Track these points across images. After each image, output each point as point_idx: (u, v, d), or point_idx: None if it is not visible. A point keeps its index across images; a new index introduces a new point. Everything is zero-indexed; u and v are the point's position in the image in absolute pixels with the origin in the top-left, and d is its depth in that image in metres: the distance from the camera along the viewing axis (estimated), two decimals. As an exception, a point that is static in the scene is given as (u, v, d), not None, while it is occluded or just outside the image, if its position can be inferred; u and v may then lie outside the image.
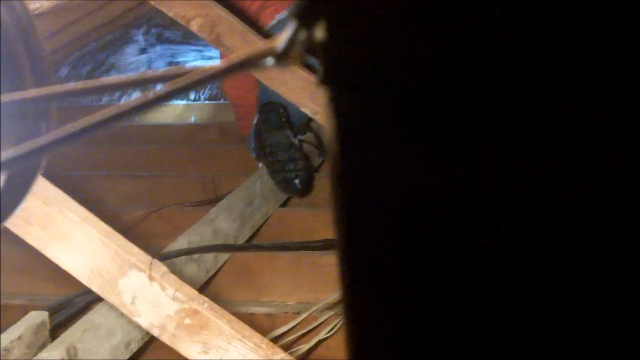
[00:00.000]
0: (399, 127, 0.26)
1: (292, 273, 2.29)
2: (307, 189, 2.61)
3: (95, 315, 1.75)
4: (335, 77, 0.28)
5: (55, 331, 1.87)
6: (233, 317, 1.33)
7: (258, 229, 2.51)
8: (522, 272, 0.26)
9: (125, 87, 0.65)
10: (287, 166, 2.50)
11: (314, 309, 2.01)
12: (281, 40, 0.31)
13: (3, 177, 0.45)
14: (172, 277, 1.33)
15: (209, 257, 2.12)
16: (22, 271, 2.38)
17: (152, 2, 2.17)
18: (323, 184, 2.76)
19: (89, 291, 2.01)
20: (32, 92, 0.41)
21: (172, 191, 2.82)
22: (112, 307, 1.76)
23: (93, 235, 1.31)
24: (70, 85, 0.51)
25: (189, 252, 1.99)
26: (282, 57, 0.31)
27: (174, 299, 1.31)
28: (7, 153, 0.37)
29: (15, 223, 1.32)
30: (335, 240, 0.30)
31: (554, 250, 0.27)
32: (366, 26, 0.27)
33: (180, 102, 4.31)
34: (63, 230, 1.31)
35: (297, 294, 2.30)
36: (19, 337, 1.72)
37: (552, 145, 0.26)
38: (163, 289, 1.31)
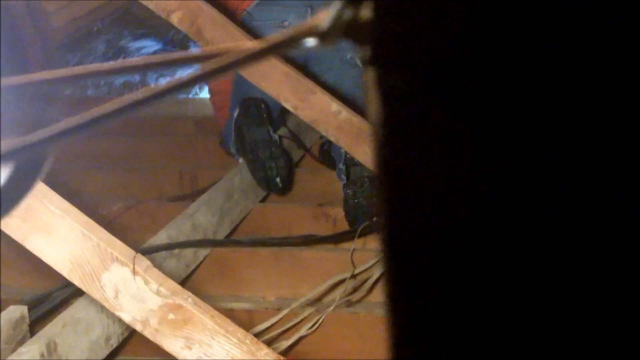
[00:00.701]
0: (449, 112, 0.25)
1: (272, 268, 2.28)
2: (288, 186, 2.61)
3: (74, 310, 1.73)
4: (383, 57, 0.27)
5: (34, 325, 1.85)
6: (217, 312, 1.32)
7: (237, 225, 2.50)
8: (568, 273, 0.26)
9: (151, 67, 0.63)
10: (268, 164, 2.49)
11: (294, 305, 2.00)
12: (326, 18, 0.29)
13: (6, 169, 0.43)
14: (156, 271, 1.31)
15: (189, 252, 2.10)
16: (-2, 264, 2.35)
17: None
18: (302, 179, 2.75)
19: (67, 285, 1.99)
20: (44, 74, 0.39)
21: (150, 184, 2.79)
22: (91, 302, 1.73)
23: (74, 227, 1.29)
24: (93, 67, 0.50)
25: (169, 247, 1.97)
26: (326, 37, 0.30)
27: (158, 293, 1.29)
28: (13, 142, 0.35)
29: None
30: (381, 225, 0.28)
31: (597, 248, 0.26)
32: (417, 3, 0.26)
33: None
34: (44, 222, 1.29)
35: (277, 290, 2.29)
36: (-1, 330, 1.69)
37: (597, 148, 0.25)
38: (147, 283, 1.29)
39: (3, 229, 1.30)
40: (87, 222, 1.30)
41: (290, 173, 2.62)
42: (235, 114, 2.55)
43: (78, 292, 2.00)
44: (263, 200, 2.66)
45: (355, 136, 2.14)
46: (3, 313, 1.78)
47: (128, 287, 1.29)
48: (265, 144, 2.48)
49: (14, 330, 1.76)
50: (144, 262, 1.31)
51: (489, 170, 0.25)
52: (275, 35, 0.32)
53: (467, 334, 0.27)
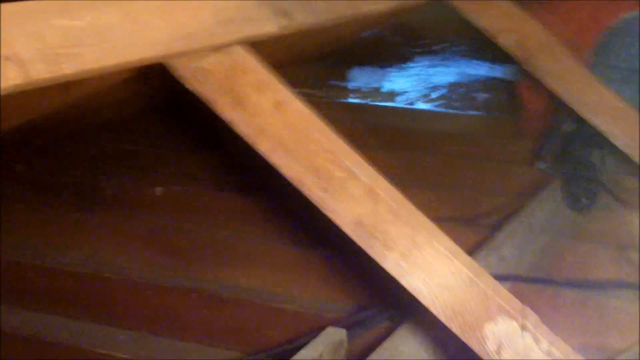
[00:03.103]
0: None
1: (576, 314, 2.10)
2: (587, 211, 2.49)
3: (396, 342, 1.66)
4: None
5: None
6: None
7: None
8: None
9: None
10: (582, 182, 2.47)
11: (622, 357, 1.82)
12: None
13: None
14: (546, 328, 1.19)
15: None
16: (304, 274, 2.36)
17: (459, 10, 2.04)
18: (602, 218, 2.55)
19: (384, 309, 1.93)
20: None
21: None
22: (412, 334, 1.66)
23: (461, 271, 1.19)
24: None
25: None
26: None
27: (548, 354, 1.17)
28: None
29: (372, 246, 1.23)
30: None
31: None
32: None
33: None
34: (426, 261, 1.21)
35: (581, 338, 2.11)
36: (320, 355, 1.65)
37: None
38: (537, 341, 1.17)
39: (380, 262, 1.24)
40: (474, 266, 1.21)
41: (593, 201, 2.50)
42: (569, 128, 2.56)
43: (394, 317, 1.95)
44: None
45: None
46: (323, 334, 1.75)
47: (513, 343, 1.18)
48: (590, 164, 2.48)
49: (334, 354, 1.72)
50: (532, 316, 1.19)
51: None
52: None
53: None
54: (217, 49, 1.20)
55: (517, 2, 2.08)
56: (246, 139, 1.22)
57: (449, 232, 1.23)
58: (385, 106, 4.35)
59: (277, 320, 2.22)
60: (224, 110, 1.22)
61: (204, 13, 1.17)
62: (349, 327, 1.82)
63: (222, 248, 2.58)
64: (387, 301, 2.10)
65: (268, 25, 1.29)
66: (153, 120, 3.56)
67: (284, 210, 2.72)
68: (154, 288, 2.40)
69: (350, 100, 4.47)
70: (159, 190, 2.91)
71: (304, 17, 1.38)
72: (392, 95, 4.46)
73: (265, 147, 1.22)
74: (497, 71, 4.15)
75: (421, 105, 4.27)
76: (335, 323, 1.84)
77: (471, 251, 2.06)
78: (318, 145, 1.20)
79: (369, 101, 4.47)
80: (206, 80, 1.22)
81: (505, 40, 2.01)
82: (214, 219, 2.80)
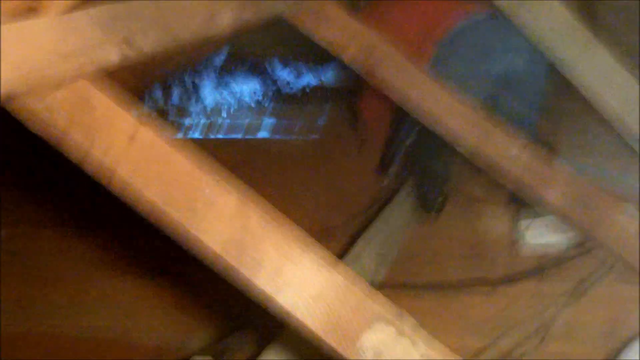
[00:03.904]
0: None
1: (436, 315, 2.14)
2: (439, 213, 2.58)
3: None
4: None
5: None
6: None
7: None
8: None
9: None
10: (435, 182, 2.54)
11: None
12: None
13: None
14: (424, 332, 1.19)
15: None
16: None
17: (300, 28, 2.05)
18: (454, 217, 2.63)
19: (247, 333, 1.88)
20: None
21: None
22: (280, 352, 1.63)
23: (337, 280, 1.17)
24: None
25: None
26: None
27: (426, 356, 1.17)
28: None
29: (244, 264, 1.18)
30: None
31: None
32: None
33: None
34: (302, 273, 1.18)
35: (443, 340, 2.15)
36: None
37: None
38: (414, 345, 1.17)
39: (252, 280, 1.20)
40: (349, 274, 1.19)
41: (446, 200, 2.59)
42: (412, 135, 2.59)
43: (253, 340, 1.91)
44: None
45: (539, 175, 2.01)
46: (189, 363, 1.68)
47: (391, 349, 1.17)
48: (440, 164, 2.54)
49: (203, 384, 1.65)
50: (409, 320, 1.19)
51: None
52: None
53: None
54: (62, 85, 1.12)
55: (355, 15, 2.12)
56: (99, 177, 1.15)
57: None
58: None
59: (139, 356, 2.11)
60: (73, 149, 1.14)
61: (43, 48, 1.08)
62: (214, 355, 1.77)
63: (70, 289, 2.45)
64: (251, 325, 2.06)
65: (112, 55, 1.22)
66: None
67: (130, 243, 2.63)
68: (7, 336, 2.23)
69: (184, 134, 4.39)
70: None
71: (146, 44, 1.32)
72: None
73: (123, 177, 1.15)
74: (334, 86, 4.21)
75: (261, 134, 4.25)
76: (200, 352, 1.78)
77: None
78: (181, 167, 1.14)
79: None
80: (52, 120, 1.13)
81: (349, 54, 2.03)
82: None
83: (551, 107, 3.47)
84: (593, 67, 2.45)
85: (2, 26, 1.00)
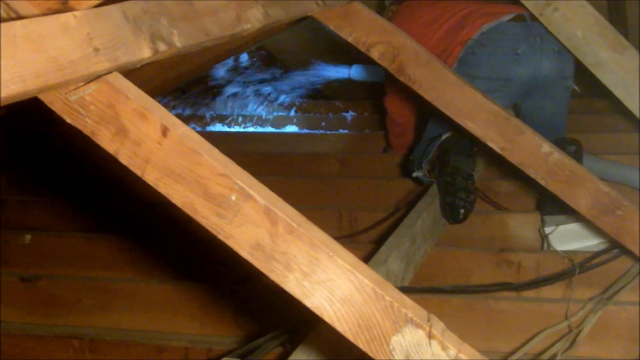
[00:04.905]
0: None
1: (464, 319, 2.13)
2: (464, 220, 2.56)
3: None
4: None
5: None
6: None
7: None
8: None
9: None
10: (461, 193, 2.48)
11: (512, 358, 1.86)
12: None
13: None
14: (453, 335, 1.18)
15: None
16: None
17: (331, 27, 2.05)
18: (478, 223, 2.62)
19: (275, 335, 1.88)
20: None
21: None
22: (307, 355, 1.63)
23: (365, 285, 1.17)
24: None
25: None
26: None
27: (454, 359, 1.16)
28: None
29: (272, 269, 1.18)
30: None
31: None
32: None
33: (294, 131, 4.21)
34: (329, 278, 1.17)
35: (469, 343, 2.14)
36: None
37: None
38: (444, 348, 1.16)
39: (281, 284, 1.20)
40: (377, 278, 1.18)
41: (471, 211, 2.54)
42: (444, 137, 2.57)
43: (285, 341, 1.90)
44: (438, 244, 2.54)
45: (566, 180, 1.99)
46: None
47: (421, 352, 1.17)
48: (466, 175, 2.49)
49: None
50: (438, 323, 1.18)
51: None
52: None
53: None
54: (95, 78, 1.13)
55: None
56: (132, 169, 1.15)
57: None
58: (248, 132, 4.34)
59: (168, 357, 2.12)
60: (107, 141, 1.15)
61: (76, 42, 1.09)
62: (242, 357, 1.77)
63: (99, 292, 2.46)
64: (278, 326, 2.06)
65: (144, 49, 1.23)
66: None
67: (157, 247, 2.65)
68: (34, 339, 2.25)
69: (215, 128, 4.43)
70: (27, 238, 2.74)
71: (178, 40, 1.33)
72: (257, 119, 4.44)
73: (154, 176, 1.16)
74: (360, 86, 4.22)
75: (289, 128, 4.28)
76: (228, 355, 1.78)
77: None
78: (209, 170, 1.15)
79: (236, 128, 4.44)
80: (86, 112, 1.14)
81: (378, 53, 2.03)
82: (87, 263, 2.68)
83: (580, 107, 3.43)
84: (623, 66, 2.43)
85: (36, 19, 1.01)
